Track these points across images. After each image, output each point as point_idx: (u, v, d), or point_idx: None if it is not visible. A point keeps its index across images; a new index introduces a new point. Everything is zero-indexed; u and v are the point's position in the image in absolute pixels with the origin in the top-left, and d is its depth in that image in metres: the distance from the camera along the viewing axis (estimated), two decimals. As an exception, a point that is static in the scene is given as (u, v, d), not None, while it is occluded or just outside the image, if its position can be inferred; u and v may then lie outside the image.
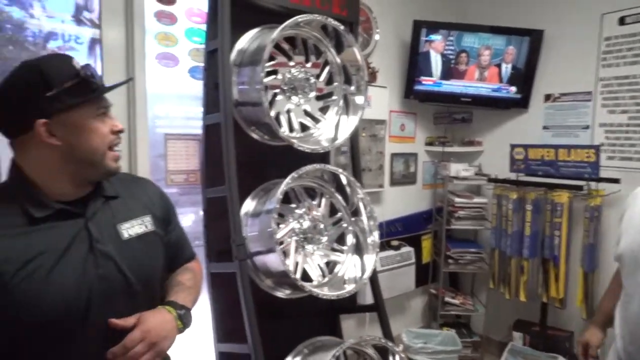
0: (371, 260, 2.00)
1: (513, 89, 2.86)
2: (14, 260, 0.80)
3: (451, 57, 2.82)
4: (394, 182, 2.95)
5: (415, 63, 2.80)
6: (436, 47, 2.79)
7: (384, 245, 2.83)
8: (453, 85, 2.86)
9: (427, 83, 2.84)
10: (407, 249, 2.90)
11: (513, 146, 2.72)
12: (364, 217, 2.12)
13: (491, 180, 2.84)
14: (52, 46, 1.88)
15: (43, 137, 0.83)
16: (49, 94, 0.82)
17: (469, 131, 3.18)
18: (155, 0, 2.06)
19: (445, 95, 2.88)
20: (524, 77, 2.83)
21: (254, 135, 1.96)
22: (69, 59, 0.88)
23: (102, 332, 0.88)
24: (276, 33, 1.74)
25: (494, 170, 2.93)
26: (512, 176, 2.76)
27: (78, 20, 1.93)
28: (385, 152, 2.80)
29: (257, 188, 2.03)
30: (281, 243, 1.90)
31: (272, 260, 1.78)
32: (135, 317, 0.92)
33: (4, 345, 0.83)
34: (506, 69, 2.83)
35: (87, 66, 0.88)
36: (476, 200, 2.90)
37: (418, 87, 2.83)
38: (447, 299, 2.94)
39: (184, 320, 1.00)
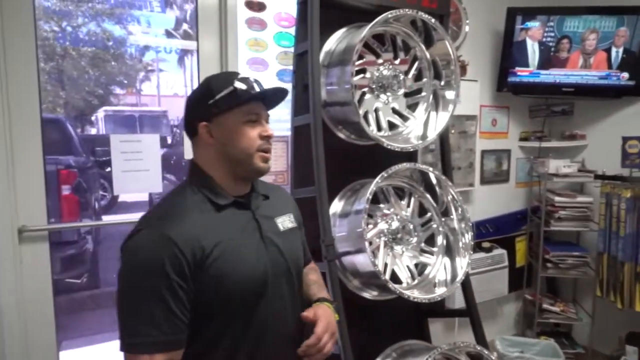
0: (463, 263, 1.92)
1: (625, 75, 2.56)
2: (211, 238, 0.95)
3: (551, 44, 2.59)
4: (484, 181, 2.79)
5: (509, 53, 2.62)
6: (533, 35, 2.58)
7: (474, 247, 2.68)
8: (552, 75, 2.63)
9: (522, 74, 2.64)
10: (500, 252, 2.73)
11: (625, 139, 2.44)
12: (454, 218, 2.03)
13: (598, 177, 2.57)
14: (147, 59, 2.03)
15: (204, 137, 1.01)
16: (210, 101, 1.00)
17: (570, 124, 2.91)
18: (246, 8, 2.14)
19: (543, 86, 2.66)
20: (638, 61, 2.52)
21: (341, 135, 1.96)
22: (233, 74, 1.06)
23: (273, 308, 1.04)
24: (366, 31, 1.72)
25: (600, 166, 2.65)
26: (624, 172, 2.48)
27: (169, 33, 2.06)
28: (475, 149, 2.66)
29: (344, 188, 2.04)
30: (370, 244, 1.89)
31: (361, 261, 1.77)
32: (311, 311, 1.09)
33: (195, 317, 0.94)
34: (617, 53, 2.54)
35: (242, 79, 1.03)
36: (580, 199, 2.65)
37: (512, 79, 2.65)
38: (545, 305, 2.73)
39: (338, 312, 1.20)
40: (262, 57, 2.21)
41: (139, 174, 1.98)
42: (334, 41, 1.94)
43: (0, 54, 1.68)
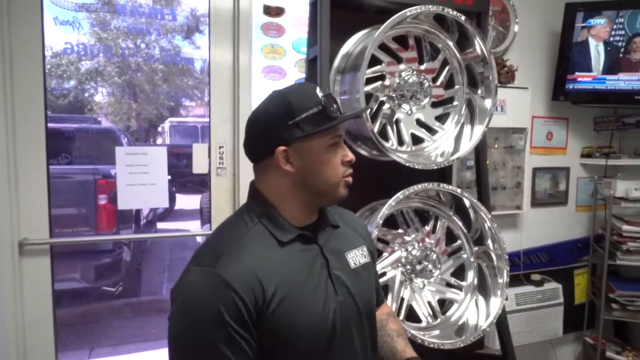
0: (496, 304, 1.61)
1: None
2: (273, 279, 0.83)
3: (620, 44, 2.20)
4: (536, 203, 2.43)
5: (567, 56, 2.26)
6: (598, 34, 2.21)
7: (521, 279, 2.34)
8: (622, 81, 2.24)
9: (584, 80, 2.27)
10: (553, 286, 2.35)
11: None
12: (490, 249, 1.73)
13: (680, 204, 2.13)
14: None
15: (280, 163, 0.88)
16: (291, 122, 0.86)
17: (647, 139, 2.47)
18: (263, 13, 2.00)
19: (610, 94, 2.27)
20: None
21: (362, 152, 1.75)
22: (313, 88, 0.92)
23: (341, 356, 0.90)
24: (380, 31, 1.51)
25: (684, 190, 2.20)
26: None
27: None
28: (524, 167, 2.32)
29: (362, 208, 1.82)
30: (384, 274, 1.65)
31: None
32: None
33: None
34: None
35: (328, 96, 0.91)
36: (655, 229, 2.21)
37: (571, 86, 2.28)
38: (609, 353, 2.29)
39: None
40: (279, 64, 2.06)
41: (144, 188, 1.90)
42: (353, 43, 1.74)
43: (6, 63, 1.66)
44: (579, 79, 2.27)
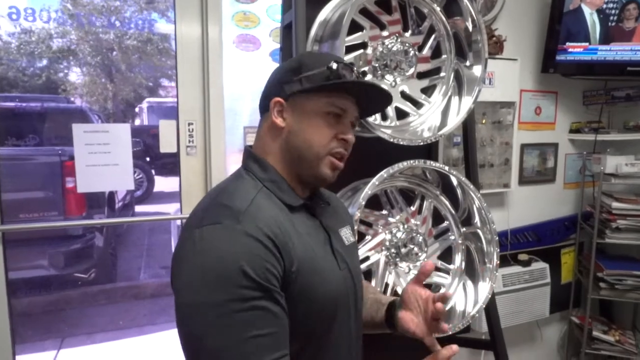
0: (485, 289, 1.53)
1: None
2: (294, 242, 0.77)
3: (613, 12, 2.09)
4: (524, 181, 2.34)
5: (558, 25, 2.15)
6: (592, 1, 2.09)
7: (508, 260, 2.27)
8: (615, 51, 2.14)
9: (575, 51, 2.16)
10: (541, 265, 2.29)
11: None
12: (479, 230, 1.64)
13: (670, 180, 2.07)
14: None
15: (273, 114, 0.84)
16: (295, 77, 0.83)
17: (636, 112, 2.39)
18: (233, -24, 1.83)
19: (602, 65, 2.17)
20: None
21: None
22: (332, 55, 0.90)
23: (342, 331, 0.87)
24: (359, -7, 1.36)
25: (674, 166, 2.13)
26: None
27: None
28: (513, 143, 2.22)
29: (345, 188, 1.70)
30: (367, 258, 1.54)
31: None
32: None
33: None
34: (701, 23, 2.01)
35: (343, 64, 0.85)
36: (645, 206, 2.15)
37: (562, 57, 2.17)
38: (595, 332, 2.26)
39: None
40: (253, 33, 1.90)
41: (106, 168, 1.74)
42: (331, 9, 1.58)
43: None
44: (570, 50, 2.17)
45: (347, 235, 0.96)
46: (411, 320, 0.92)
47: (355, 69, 0.87)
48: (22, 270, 3.08)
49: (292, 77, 0.84)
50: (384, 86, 1.46)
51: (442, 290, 1.62)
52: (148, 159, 5.43)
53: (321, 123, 0.83)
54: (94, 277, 3.52)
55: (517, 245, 2.33)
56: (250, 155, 0.88)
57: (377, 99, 0.93)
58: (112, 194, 3.80)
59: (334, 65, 0.82)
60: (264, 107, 0.88)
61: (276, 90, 0.85)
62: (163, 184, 5.69)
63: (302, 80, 0.83)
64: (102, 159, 1.73)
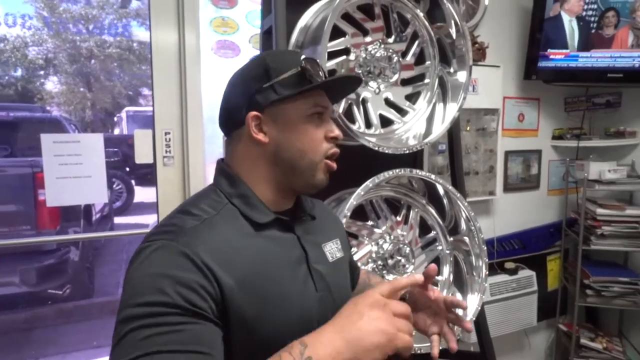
0: (474, 301, 1.48)
1: (689, 57, 2.05)
2: (246, 264, 0.70)
3: (592, 19, 2.11)
4: (509, 188, 2.33)
5: (539, 32, 2.15)
6: (571, 9, 2.10)
7: (495, 268, 2.24)
8: (595, 58, 2.15)
9: (556, 57, 2.17)
10: (527, 273, 2.27)
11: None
12: (466, 238, 1.60)
13: (652, 185, 2.07)
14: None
15: (252, 131, 0.76)
16: (266, 84, 0.76)
17: (617, 119, 2.41)
18: (211, -19, 1.77)
19: (582, 72, 2.18)
20: None
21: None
22: (296, 53, 0.84)
23: None
24: (340, -2, 1.32)
25: (655, 171, 2.15)
26: (688, 180, 1.97)
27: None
28: (497, 150, 2.21)
29: (329, 197, 1.64)
30: (353, 272, 1.49)
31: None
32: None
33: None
34: (678, 30, 2.03)
35: (310, 59, 0.78)
36: (629, 211, 2.15)
37: (543, 64, 2.18)
38: (583, 340, 2.24)
39: None
40: (232, 39, 1.84)
41: (77, 181, 1.65)
42: (312, 14, 1.54)
43: None
44: (551, 57, 2.17)
45: (332, 250, 0.88)
46: (423, 321, 0.87)
47: (315, 59, 0.81)
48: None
49: (262, 84, 0.76)
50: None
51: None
52: (127, 169, 5.30)
53: (308, 127, 0.78)
54: (69, 293, 3.38)
55: (504, 253, 2.31)
56: (221, 170, 0.81)
57: (347, 86, 0.90)
58: (88, 206, 3.66)
59: (308, 64, 0.77)
60: (232, 123, 0.80)
61: (246, 103, 0.77)
62: (143, 194, 5.55)
63: (275, 86, 0.76)
64: (73, 171, 1.64)
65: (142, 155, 1.74)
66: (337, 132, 0.80)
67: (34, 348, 2.93)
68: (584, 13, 2.10)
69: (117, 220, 5.02)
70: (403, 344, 0.64)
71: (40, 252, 3.07)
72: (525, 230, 2.38)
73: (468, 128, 2.13)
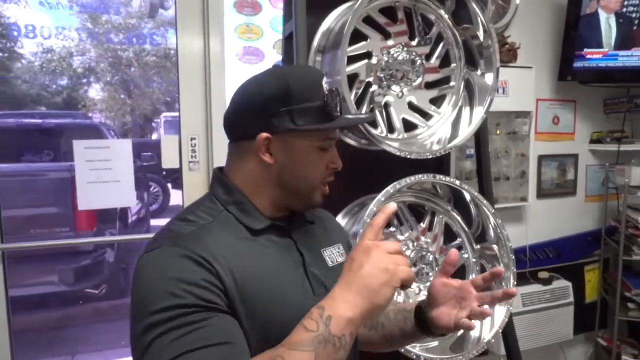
0: (502, 312, 1.42)
1: None
2: (244, 266, 0.72)
3: (633, 15, 1.99)
4: (542, 194, 2.23)
5: (574, 31, 2.06)
6: (608, 5, 2.00)
7: (527, 277, 2.15)
8: (636, 57, 2.03)
9: (593, 57, 2.06)
10: (563, 284, 2.16)
11: None
12: (495, 246, 1.54)
13: (702, 192, 1.93)
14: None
15: (259, 152, 0.77)
16: (284, 109, 0.75)
17: (662, 121, 2.27)
18: (236, -12, 1.80)
19: (622, 72, 2.06)
20: None
21: (349, 141, 1.55)
22: (319, 77, 0.80)
23: None
24: (360, 1, 1.30)
25: None
26: None
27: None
28: (529, 154, 2.12)
29: (352, 203, 1.63)
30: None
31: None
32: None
33: None
34: None
35: (333, 91, 0.78)
36: (675, 220, 2.02)
37: (579, 64, 2.08)
38: (625, 356, 2.11)
39: None
40: (257, 46, 1.86)
41: (107, 185, 1.70)
42: (334, 18, 1.53)
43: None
44: (588, 56, 2.07)
45: (333, 255, 0.89)
46: (448, 315, 0.83)
47: (336, 89, 0.80)
48: (33, 287, 3.08)
49: (280, 107, 0.75)
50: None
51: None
52: (164, 172, 5.46)
53: (315, 157, 0.80)
54: (105, 293, 3.50)
55: (537, 262, 2.21)
56: (218, 179, 0.83)
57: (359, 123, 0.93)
58: (124, 209, 3.80)
59: (330, 99, 0.77)
60: (242, 133, 0.80)
61: (261, 123, 0.76)
62: (180, 197, 5.69)
63: (294, 115, 0.75)
64: (103, 176, 1.70)
65: (169, 161, 1.79)
66: (339, 164, 0.83)
67: (68, 345, 3.05)
68: (623, 9, 1.99)
69: (154, 222, 5.16)
70: (404, 274, 0.67)
71: (77, 253, 3.21)
72: (561, 238, 2.27)
73: (498, 132, 2.05)
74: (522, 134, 2.10)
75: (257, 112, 0.77)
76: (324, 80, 0.80)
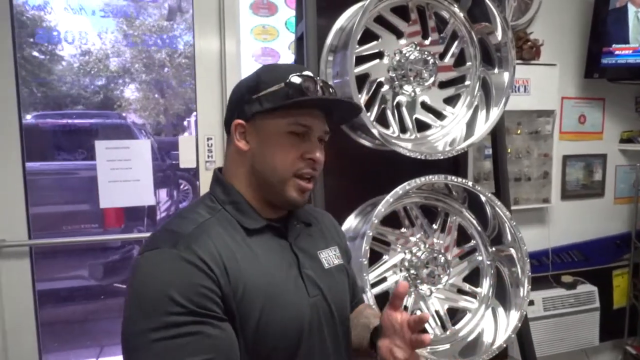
0: (515, 317, 1.39)
1: None
2: (240, 266, 0.73)
3: (666, 10, 1.90)
4: (567, 195, 2.15)
5: (602, 26, 1.97)
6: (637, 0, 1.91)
7: (549, 281, 2.08)
8: (669, 53, 1.93)
9: (622, 53, 1.97)
10: (588, 288, 2.08)
11: None
12: (512, 251, 1.50)
13: None
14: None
15: (236, 139, 0.81)
16: (254, 96, 0.79)
17: (698, 119, 2.15)
18: (252, -10, 1.82)
19: (655, 69, 1.96)
20: None
21: (364, 142, 1.55)
22: (295, 67, 0.83)
23: (324, 352, 0.82)
24: (369, 1, 1.30)
25: None
26: None
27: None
28: (552, 155, 2.05)
29: (365, 202, 1.62)
30: (383, 280, 1.45)
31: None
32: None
33: None
34: None
35: (306, 77, 0.79)
36: None
37: (607, 61, 1.99)
38: (655, 366, 2.01)
39: None
40: (272, 47, 1.88)
41: (127, 184, 1.76)
42: (347, 17, 1.53)
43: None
44: (617, 53, 1.98)
45: (329, 257, 0.89)
46: (387, 349, 0.79)
47: (318, 79, 0.81)
48: (64, 281, 3.22)
49: (251, 96, 0.79)
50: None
51: (468, 316, 1.49)
52: (192, 170, 5.59)
53: (285, 143, 0.79)
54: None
55: (560, 265, 2.14)
56: (216, 178, 0.85)
57: (347, 109, 0.88)
58: (152, 206, 3.91)
59: (295, 80, 0.77)
60: (227, 127, 0.85)
61: (237, 111, 0.81)
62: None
63: (261, 99, 0.78)
64: (123, 175, 1.75)
65: (186, 161, 1.83)
66: (316, 154, 0.80)
67: (96, 338, 3.17)
68: (656, 3, 1.89)
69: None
70: None
71: (106, 249, 3.33)
72: (587, 242, 2.19)
73: (519, 131, 2.00)
74: (545, 133, 2.03)
75: (234, 104, 0.82)
76: (298, 69, 0.81)
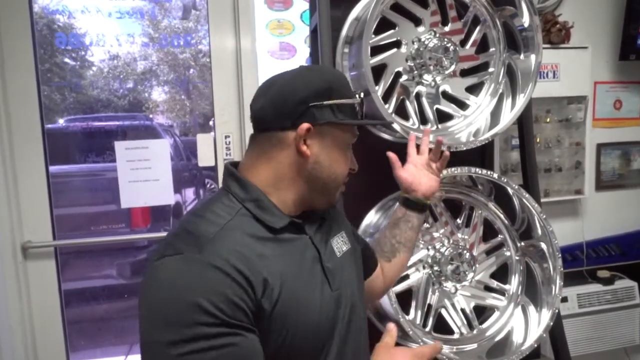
0: (547, 315, 1.31)
1: None
2: (271, 268, 0.70)
3: None
4: (602, 186, 2.04)
5: (638, 4, 1.85)
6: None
7: (584, 276, 1.98)
8: None
9: (661, 33, 1.84)
10: (627, 284, 1.97)
11: None
12: (543, 245, 1.42)
13: None
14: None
15: (298, 141, 0.76)
16: (328, 102, 0.77)
17: None
18: (266, -16, 1.79)
19: (697, 48, 1.83)
20: None
21: (384, 135, 1.49)
22: (346, 79, 0.86)
23: (341, 350, 0.80)
24: (385, -13, 1.24)
25: None
26: None
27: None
28: (585, 143, 1.94)
29: (387, 197, 1.57)
30: (406, 277, 1.40)
31: (383, 302, 1.30)
32: None
33: None
34: None
35: (361, 96, 0.85)
36: None
37: (644, 42, 1.87)
38: (702, 366, 1.88)
39: None
40: (288, 41, 1.85)
41: (147, 184, 1.77)
42: (363, 6, 1.48)
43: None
44: (655, 32, 1.85)
45: (339, 244, 0.88)
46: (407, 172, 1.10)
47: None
48: (93, 280, 3.30)
49: (322, 101, 0.76)
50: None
51: (496, 315, 1.43)
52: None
53: (346, 154, 0.83)
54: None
55: (596, 259, 2.02)
56: (231, 174, 0.79)
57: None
58: (178, 205, 3.96)
59: (359, 96, 0.82)
60: (277, 124, 0.77)
61: (303, 113, 0.75)
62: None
63: (334, 108, 0.78)
64: (143, 175, 1.76)
65: (205, 159, 1.83)
66: (356, 166, 0.88)
67: (129, 335, 3.23)
68: (696, -24, 1.76)
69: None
70: None
71: (133, 248, 3.38)
72: (625, 234, 2.07)
73: (548, 119, 1.90)
74: (577, 120, 1.92)
75: (298, 104, 0.76)
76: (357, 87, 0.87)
